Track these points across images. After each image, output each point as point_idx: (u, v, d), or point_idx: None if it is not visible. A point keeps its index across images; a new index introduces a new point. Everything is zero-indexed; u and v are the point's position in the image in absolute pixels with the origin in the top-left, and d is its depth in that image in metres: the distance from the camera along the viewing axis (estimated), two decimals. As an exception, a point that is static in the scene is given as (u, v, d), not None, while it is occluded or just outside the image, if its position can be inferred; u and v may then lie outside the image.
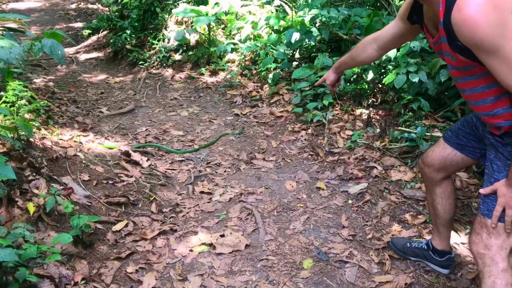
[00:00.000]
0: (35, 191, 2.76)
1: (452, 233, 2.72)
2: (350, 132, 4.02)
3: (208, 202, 3.30)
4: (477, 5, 1.52)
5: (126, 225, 2.92)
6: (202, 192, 3.42)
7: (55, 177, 3.07)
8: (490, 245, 1.80)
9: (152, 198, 3.26)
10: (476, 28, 1.53)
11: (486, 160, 1.90)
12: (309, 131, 4.22)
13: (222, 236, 2.86)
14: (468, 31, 1.55)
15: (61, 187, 2.94)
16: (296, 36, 4.84)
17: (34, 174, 2.89)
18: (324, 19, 4.75)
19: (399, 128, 3.77)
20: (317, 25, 4.96)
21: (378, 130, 3.92)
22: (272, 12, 5.92)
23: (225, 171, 3.74)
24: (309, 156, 3.87)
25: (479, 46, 1.57)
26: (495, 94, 1.71)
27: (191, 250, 2.75)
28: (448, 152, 2.18)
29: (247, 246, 2.77)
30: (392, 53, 3.81)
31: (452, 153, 2.17)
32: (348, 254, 2.68)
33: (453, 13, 1.57)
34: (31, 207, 2.59)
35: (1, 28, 3.29)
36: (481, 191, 1.84)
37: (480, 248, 1.83)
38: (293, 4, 6.09)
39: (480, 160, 2.10)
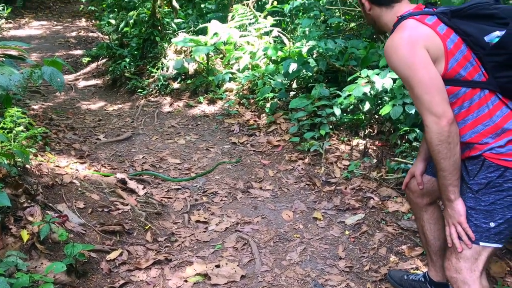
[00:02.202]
0: (30, 218, 2.73)
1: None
2: (347, 162, 4.03)
3: (204, 232, 3.27)
4: (396, 38, 1.84)
5: (121, 254, 2.89)
6: (198, 221, 3.40)
7: (50, 204, 3.05)
8: (460, 268, 1.90)
9: (148, 227, 3.23)
10: (390, 57, 1.86)
11: None
12: (306, 160, 4.22)
13: (218, 266, 2.82)
14: (387, 59, 1.89)
15: (56, 215, 2.91)
16: (293, 66, 4.90)
17: (29, 201, 2.87)
18: (321, 50, 4.83)
19: (396, 159, 3.78)
20: (314, 56, 5.04)
21: (375, 160, 3.94)
22: (270, 43, 6.00)
23: (221, 200, 3.72)
24: (306, 186, 3.86)
25: (395, 72, 1.88)
26: None
27: (185, 281, 2.71)
28: (427, 179, 2.26)
29: (242, 277, 2.73)
30: (388, 85, 3.86)
31: (431, 180, 2.24)
32: (345, 286, 2.65)
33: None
34: (25, 235, 2.56)
35: (2, 55, 3.32)
36: None
37: (452, 272, 1.93)
38: (291, 35, 6.19)
39: None
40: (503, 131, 1.82)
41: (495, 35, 1.80)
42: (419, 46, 1.80)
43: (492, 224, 1.84)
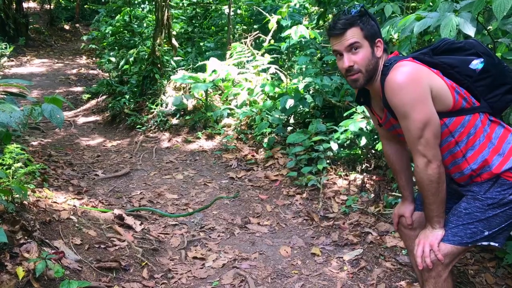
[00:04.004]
0: (26, 255, 2.71)
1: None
2: (344, 197, 4.03)
3: (201, 268, 3.24)
4: (403, 74, 1.85)
5: (117, 292, 2.85)
6: (195, 258, 3.37)
7: (47, 240, 3.03)
8: (437, 264, 2.01)
9: (144, 263, 3.20)
10: (394, 92, 1.87)
11: None
12: (304, 195, 4.23)
13: (215, 303, 2.79)
14: (390, 94, 1.88)
15: (53, 251, 2.89)
16: (290, 102, 4.98)
17: (26, 237, 2.85)
18: (317, 86, 4.92)
19: (393, 193, 3.80)
20: (310, 92, 5.12)
21: (372, 195, 3.94)
22: (267, 80, 6.11)
23: (218, 236, 3.70)
24: (304, 221, 3.85)
25: (395, 108, 1.90)
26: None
27: (182, 319, 2.67)
28: (417, 215, 2.31)
29: (240, 314, 2.70)
30: (384, 120, 3.91)
31: (421, 215, 2.27)
32: (344, 323, 2.61)
33: (386, 78, 1.90)
34: (21, 272, 2.53)
35: (3, 93, 3.38)
36: None
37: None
38: (288, 72, 6.31)
39: None
40: (504, 151, 1.93)
41: (477, 62, 1.95)
42: (424, 83, 1.86)
43: (486, 233, 1.95)
